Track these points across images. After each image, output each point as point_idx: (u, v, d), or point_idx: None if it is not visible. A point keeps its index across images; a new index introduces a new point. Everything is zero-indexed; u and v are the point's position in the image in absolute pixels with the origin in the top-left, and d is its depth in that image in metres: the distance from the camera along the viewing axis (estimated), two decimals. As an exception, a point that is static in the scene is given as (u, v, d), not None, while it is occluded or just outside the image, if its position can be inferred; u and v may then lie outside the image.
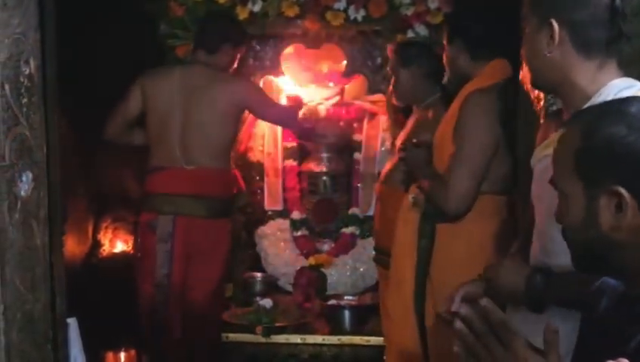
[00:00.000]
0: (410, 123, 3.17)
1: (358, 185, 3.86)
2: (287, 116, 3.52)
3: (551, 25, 1.64)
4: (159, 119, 3.25)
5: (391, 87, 3.23)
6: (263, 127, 3.91)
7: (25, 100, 1.72)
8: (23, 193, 1.70)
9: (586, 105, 1.62)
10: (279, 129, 3.88)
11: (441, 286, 2.53)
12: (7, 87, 1.66)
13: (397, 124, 3.41)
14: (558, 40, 1.64)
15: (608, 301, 1.30)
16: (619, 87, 1.61)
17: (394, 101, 3.27)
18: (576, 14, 1.62)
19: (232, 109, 3.27)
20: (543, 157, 1.76)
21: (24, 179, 1.70)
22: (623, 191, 1.16)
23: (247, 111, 3.43)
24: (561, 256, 1.67)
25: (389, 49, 3.23)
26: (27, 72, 1.73)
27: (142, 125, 3.37)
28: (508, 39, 2.55)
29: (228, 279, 3.55)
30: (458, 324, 1.12)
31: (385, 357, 2.85)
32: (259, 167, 3.92)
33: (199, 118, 3.22)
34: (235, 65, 3.44)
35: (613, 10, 1.60)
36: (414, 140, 2.80)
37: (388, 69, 3.23)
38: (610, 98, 1.56)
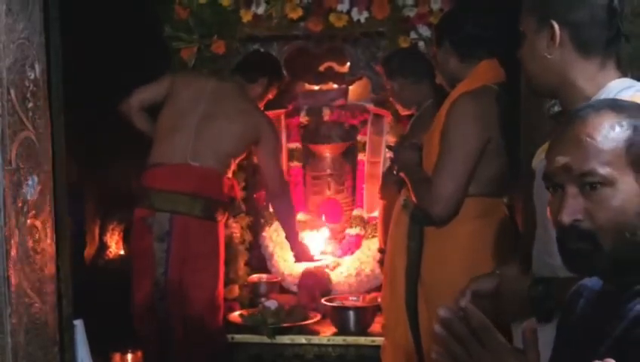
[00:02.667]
0: (409, 124, 3.20)
1: (363, 186, 3.86)
2: (281, 186, 3.52)
3: (551, 26, 1.65)
4: (178, 112, 3.29)
5: (394, 100, 3.26)
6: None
7: (30, 104, 1.74)
8: (29, 196, 1.72)
9: None
10: (284, 132, 3.90)
11: (432, 287, 2.55)
12: (12, 91, 1.67)
13: (400, 125, 3.42)
14: (559, 41, 1.65)
15: (585, 302, 1.31)
16: (618, 87, 1.61)
17: (399, 110, 3.29)
18: (576, 15, 1.62)
19: (248, 135, 3.35)
20: (542, 159, 1.77)
21: (30, 182, 1.72)
22: None
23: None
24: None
25: (378, 67, 3.28)
26: (32, 76, 1.75)
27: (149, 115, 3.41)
28: (499, 40, 2.56)
29: (226, 282, 3.53)
30: (437, 328, 1.13)
31: (381, 354, 2.87)
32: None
33: (218, 126, 3.27)
34: (264, 102, 3.55)
35: (612, 10, 1.61)
36: (398, 141, 2.82)
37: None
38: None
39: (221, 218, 3.32)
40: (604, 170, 1.20)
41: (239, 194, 3.54)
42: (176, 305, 3.19)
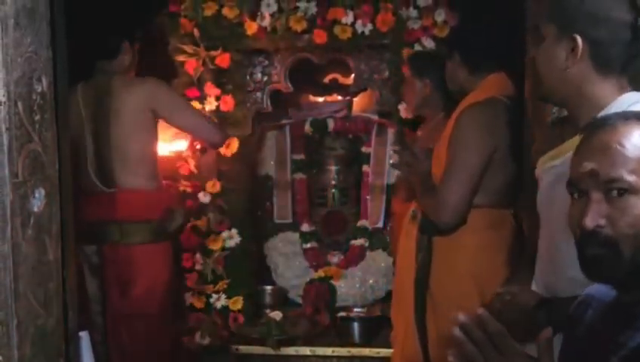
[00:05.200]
0: (421, 135, 3.19)
1: (367, 197, 3.87)
2: (208, 128, 3.11)
3: (574, 40, 1.62)
4: (72, 142, 2.83)
5: (405, 97, 3.22)
6: (272, 141, 3.94)
7: (37, 117, 1.74)
8: (35, 209, 1.72)
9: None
10: (288, 142, 3.91)
11: (440, 298, 2.56)
12: (19, 104, 1.68)
13: (403, 136, 3.42)
14: (579, 56, 1.64)
15: (594, 313, 1.32)
16: (629, 101, 1.60)
17: (406, 113, 3.28)
18: (599, 32, 1.60)
19: (141, 115, 2.95)
20: (549, 168, 1.77)
21: (37, 195, 1.72)
22: None
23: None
24: (570, 268, 1.68)
25: (406, 57, 3.23)
26: (39, 89, 1.76)
27: None
28: (507, 52, 2.58)
29: (230, 294, 3.52)
30: (457, 332, 1.15)
31: None
32: (268, 180, 3.94)
33: (108, 133, 2.95)
34: (136, 63, 3.16)
35: (635, 29, 1.58)
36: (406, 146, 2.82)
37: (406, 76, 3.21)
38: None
39: (158, 238, 3.04)
40: (631, 178, 1.21)
41: (178, 203, 3.32)
42: (120, 346, 2.93)
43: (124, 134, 2.94)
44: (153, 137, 3.05)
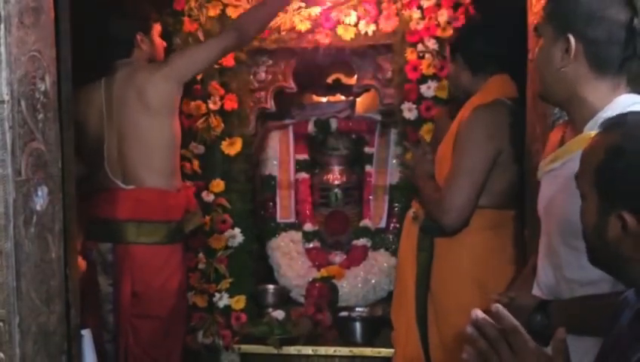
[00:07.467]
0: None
1: (370, 197, 3.87)
2: (225, 39, 3.02)
3: (567, 40, 1.63)
4: (92, 136, 2.93)
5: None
6: (275, 141, 3.95)
7: (41, 116, 1.76)
8: (38, 207, 1.73)
9: (591, 121, 1.63)
10: (291, 142, 3.91)
11: (441, 299, 2.56)
12: (23, 103, 1.69)
13: (406, 137, 3.41)
14: (574, 55, 1.64)
15: (630, 313, 1.32)
16: (625, 103, 1.60)
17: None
18: (594, 32, 1.61)
19: (163, 97, 2.90)
20: (549, 170, 1.77)
21: (40, 193, 1.73)
22: (629, 218, 1.18)
23: None
24: (568, 270, 1.68)
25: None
26: (43, 88, 1.77)
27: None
28: (510, 54, 2.58)
29: (232, 293, 3.52)
30: (470, 329, 1.15)
31: None
32: (271, 180, 3.95)
33: (133, 126, 2.91)
34: (161, 44, 3.14)
35: (630, 30, 1.59)
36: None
37: None
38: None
39: (174, 239, 3.01)
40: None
41: (194, 203, 3.25)
42: (130, 346, 2.89)
43: (149, 124, 2.89)
44: (177, 130, 3.00)
